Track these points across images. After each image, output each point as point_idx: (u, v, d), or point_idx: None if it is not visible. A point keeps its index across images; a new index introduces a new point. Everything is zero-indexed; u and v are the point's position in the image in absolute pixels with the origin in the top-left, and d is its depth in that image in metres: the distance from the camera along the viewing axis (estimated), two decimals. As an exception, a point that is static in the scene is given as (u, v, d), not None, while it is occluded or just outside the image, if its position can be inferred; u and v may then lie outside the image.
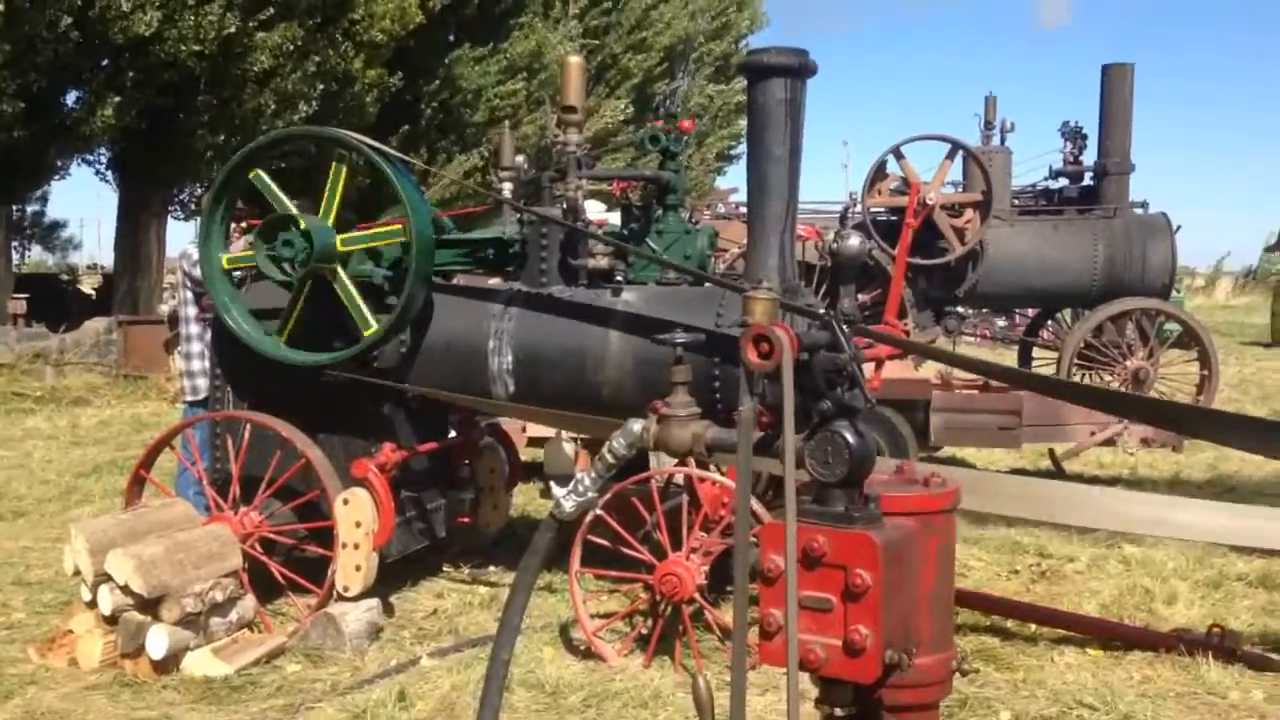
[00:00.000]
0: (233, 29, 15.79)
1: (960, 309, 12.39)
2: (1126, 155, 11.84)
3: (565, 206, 5.35)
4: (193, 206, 19.39)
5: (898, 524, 1.78)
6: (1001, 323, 21.17)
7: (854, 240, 1.87)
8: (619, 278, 5.38)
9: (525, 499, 7.49)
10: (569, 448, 7.01)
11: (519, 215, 5.49)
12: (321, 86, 17.42)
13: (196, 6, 15.30)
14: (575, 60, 5.27)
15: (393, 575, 5.70)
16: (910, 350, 6.64)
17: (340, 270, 5.05)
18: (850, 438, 1.74)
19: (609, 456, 2.07)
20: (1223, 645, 4.94)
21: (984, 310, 21.06)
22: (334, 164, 4.99)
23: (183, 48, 15.34)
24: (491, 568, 6.19)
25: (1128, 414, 7.42)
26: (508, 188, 5.72)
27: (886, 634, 1.70)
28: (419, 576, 6.00)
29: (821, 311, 5.05)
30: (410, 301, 5.03)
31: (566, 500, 2.14)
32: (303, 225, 4.87)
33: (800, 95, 5.29)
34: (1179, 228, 11.64)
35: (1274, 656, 4.95)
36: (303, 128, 6.22)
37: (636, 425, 2.05)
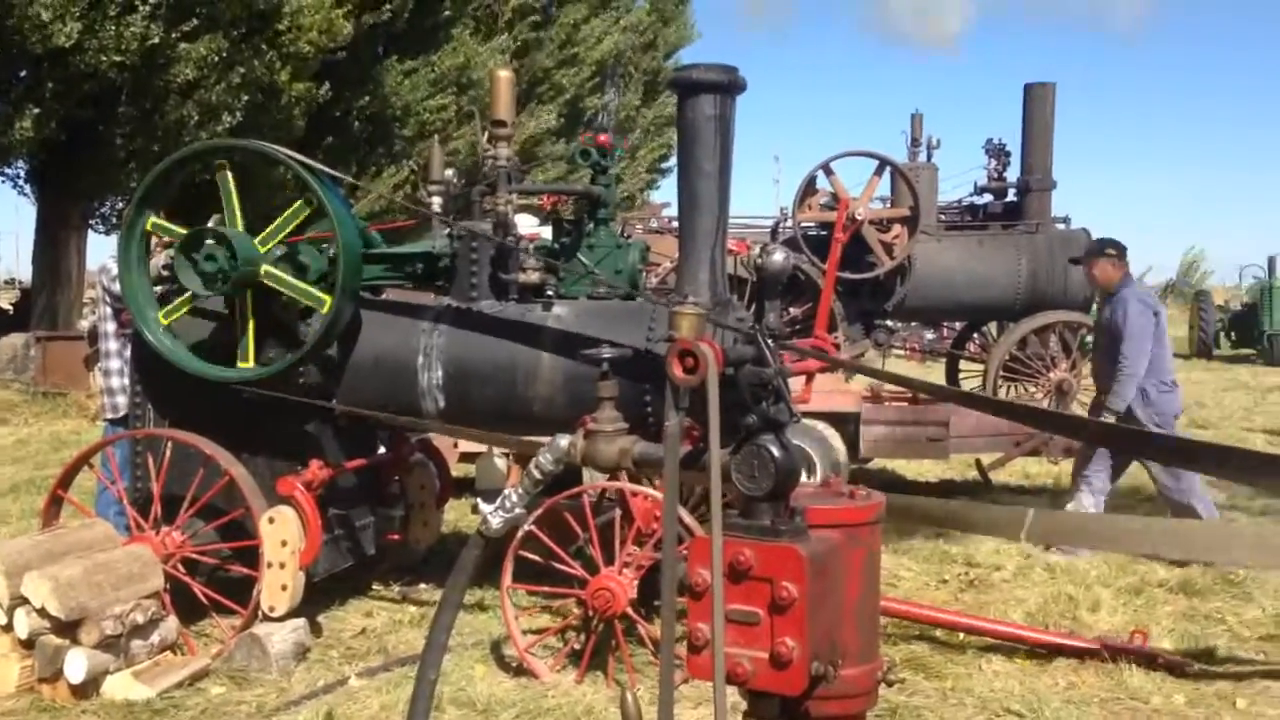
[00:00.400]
0: (155, 40, 15.51)
1: (889, 322, 12.56)
2: (1048, 172, 12.12)
3: (495, 221, 5.32)
4: (114, 220, 18.98)
5: (823, 536, 1.79)
6: (930, 336, 21.54)
7: (778, 255, 1.88)
8: (549, 292, 5.36)
9: (457, 515, 7.42)
10: (501, 463, 6.96)
11: (449, 229, 5.45)
12: (246, 98, 17.16)
13: (118, 17, 15.01)
14: (505, 74, 5.25)
15: (321, 594, 5.61)
16: (837, 366, 6.71)
17: (269, 267, 4.96)
18: (776, 451, 1.75)
19: (536, 472, 2.05)
20: (1144, 651, 5.05)
21: (912, 324, 21.48)
22: (219, 172, 4.91)
23: (104, 58, 15.03)
24: (422, 585, 6.12)
25: (1043, 427, 7.55)
26: (437, 201, 5.68)
27: (813, 646, 1.70)
28: (348, 595, 5.92)
29: (749, 326, 5.09)
30: (336, 316, 4.96)
31: (494, 517, 2.12)
32: (220, 236, 4.78)
33: (730, 111, 5.34)
34: (1099, 242, 11.91)
35: (1193, 662, 5.07)
36: (227, 140, 6.12)
37: (563, 441, 2.04)
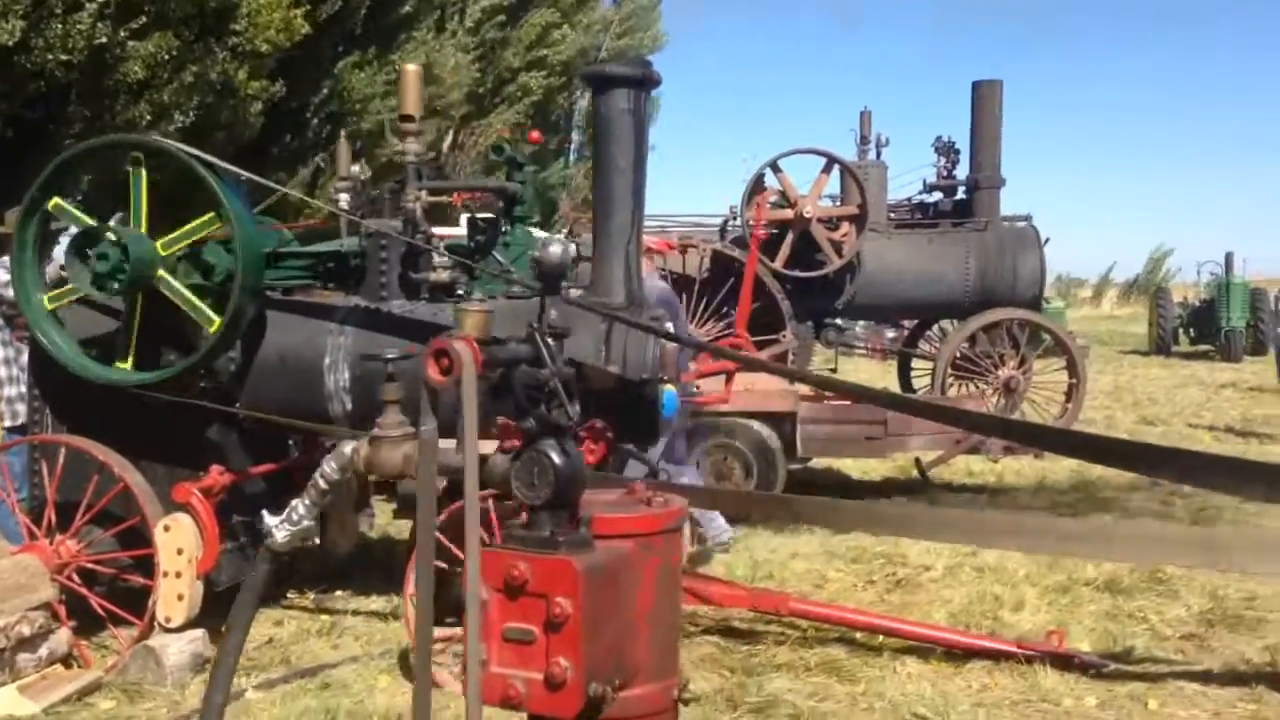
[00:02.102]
0: (103, 38, 15.25)
1: (839, 321, 12.54)
2: (997, 170, 12.11)
3: (405, 218, 5.22)
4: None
5: (612, 547, 1.70)
6: (891, 334, 21.53)
7: (555, 249, 1.79)
8: (461, 291, 5.26)
9: (386, 518, 7.30)
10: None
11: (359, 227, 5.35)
12: (199, 97, 16.92)
13: (64, 15, 14.76)
14: (412, 69, 5.15)
15: (227, 603, 5.46)
16: (751, 366, 6.64)
17: (165, 274, 4.83)
18: (556, 457, 1.66)
19: (321, 482, 1.96)
20: (1060, 652, 4.99)
21: (871, 323, 21.50)
22: (131, 169, 4.78)
23: (50, 57, 14.78)
24: (338, 592, 6.01)
25: (963, 426, 7.45)
26: (344, 198, 5.57)
27: (590, 666, 1.61)
28: (259, 605, 5.78)
29: (651, 325, 5.01)
30: (237, 315, 4.83)
31: (279, 530, 2.02)
32: (114, 235, 4.65)
33: (643, 106, 5.26)
34: (1048, 240, 11.95)
35: (1108, 663, 5.01)
36: (118, 136, 5.99)
37: (347, 448, 1.95)
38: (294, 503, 2.03)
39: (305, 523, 2.01)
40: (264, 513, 2.19)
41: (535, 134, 5.63)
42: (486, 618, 1.63)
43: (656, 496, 1.83)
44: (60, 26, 14.72)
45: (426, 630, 1.70)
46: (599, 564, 1.64)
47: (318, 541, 4.72)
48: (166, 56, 16.16)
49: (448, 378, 1.64)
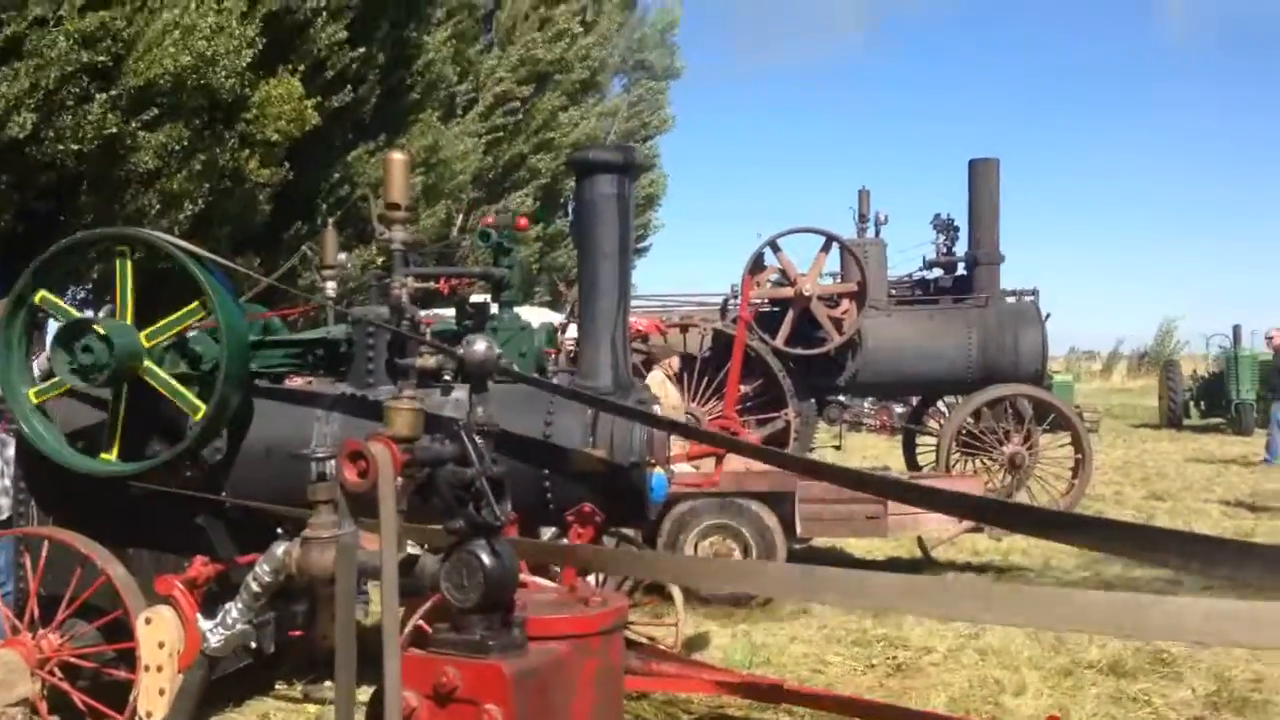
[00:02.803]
0: (114, 129, 15.54)
1: (841, 398, 12.49)
2: (995, 246, 12.14)
3: (391, 305, 5.23)
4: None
5: (545, 649, 1.66)
6: (899, 409, 21.45)
7: (480, 345, 1.77)
8: (446, 377, 5.25)
9: (379, 605, 7.23)
10: (414, 551, 6.78)
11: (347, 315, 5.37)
12: (209, 185, 17.18)
13: (75, 106, 15.06)
14: (399, 157, 5.20)
15: (216, 695, 5.39)
16: (736, 450, 6.59)
17: (150, 364, 4.84)
18: (486, 558, 1.63)
19: (254, 585, 1.93)
20: (1061, 738, 4.88)
21: (880, 400, 21.43)
22: (118, 260, 4.82)
23: (60, 148, 15.06)
24: (327, 683, 5.90)
25: (927, 506, 7.14)
26: (331, 286, 5.60)
27: (522, 773, 1.57)
28: (246, 695, 5.71)
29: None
30: (223, 404, 4.83)
31: (213, 635, 1.99)
32: (99, 330, 4.67)
33: (628, 191, 5.30)
34: (1049, 315, 11.92)
35: (1111, 749, 4.90)
36: (101, 230, 6.07)
37: (279, 549, 1.92)
38: (227, 606, 2.00)
39: (239, 626, 1.98)
40: (199, 617, 2.15)
41: (523, 220, 5.66)
42: (414, 725, 1.59)
43: (595, 595, 1.79)
44: (71, 118, 15.02)
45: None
46: (531, 668, 1.60)
47: (254, 645, 4.65)
48: (177, 146, 16.45)
49: (364, 480, 1.62)
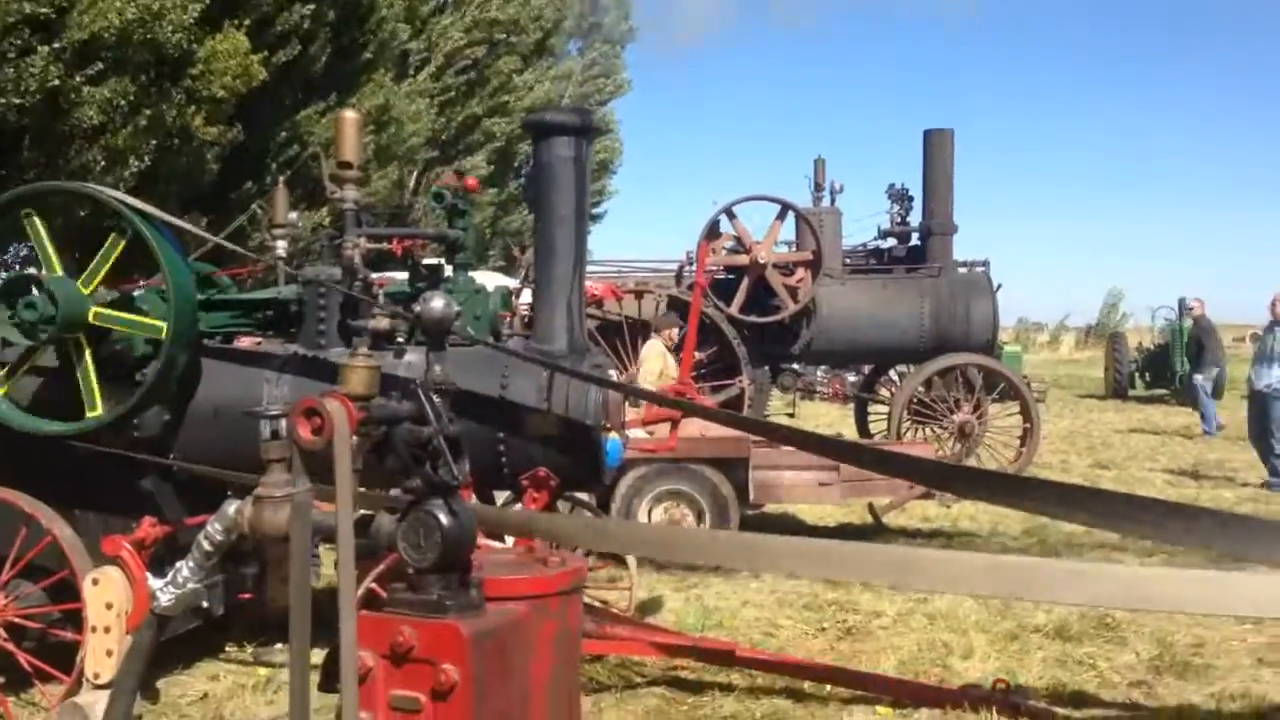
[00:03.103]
0: (56, 82, 15.14)
1: (795, 366, 12.55)
2: (949, 217, 12.23)
3: (343, 265, 5.15)
4: (16, 268, 18.45)
5: (503, 610, 1.64)
6: (852, 378, 21.61)
7: (437, 303, 1.75)
8: (400, 339, 5.19)
9: (330, 569, 7.18)
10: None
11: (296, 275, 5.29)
12: (155, 142, 16.82)
13: (17, 59, 14.65)
14: (351, 115, 5.10)
15: (164, 657, 5.33)
16: (691, 413, 6.60)
17: (84, 342, 4.73)
18: (443, 518, 1.61)
19: (206, 544, 1.90)
20: (1007, 700, 4.95)
21: (833, 368, 21.57)
22: (26, 222, 4.69)
23: (2, 100, 14.66)
24: (278, 646, 5.86)
25: (883, 471, 7.15)
26: (282, 245, 5.51)
27: (480, 733, 1.55)
28: (194, 658, 5.65)
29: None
30: (169, 365, 4.75)
31: (163, 594, 1.95)
32: (38, 282, 4.56)
33: (585, 154, 5.26)
34: (1000, 286, 12.04)
35: (1056, 710, 4.98)
36: (53, 184, 5.89)
37: (231, 508, 1.89)
38: (178, 565, 1.96)
39: (191, 585, 1.95)
40: (149, 576, 2.12)
41: (472, 181, 5.59)
42: (373, 685, 1.57)
43: (554, 556, 1.78)
44: (13, 70, 14.61)
45: (303, 694, 1.64)
46: (488, 628, 1.59)
47: (205, 605, 4.60)
48: (122, 101, 16.08)
49: (319, 438, 1.59)
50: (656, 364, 9.79)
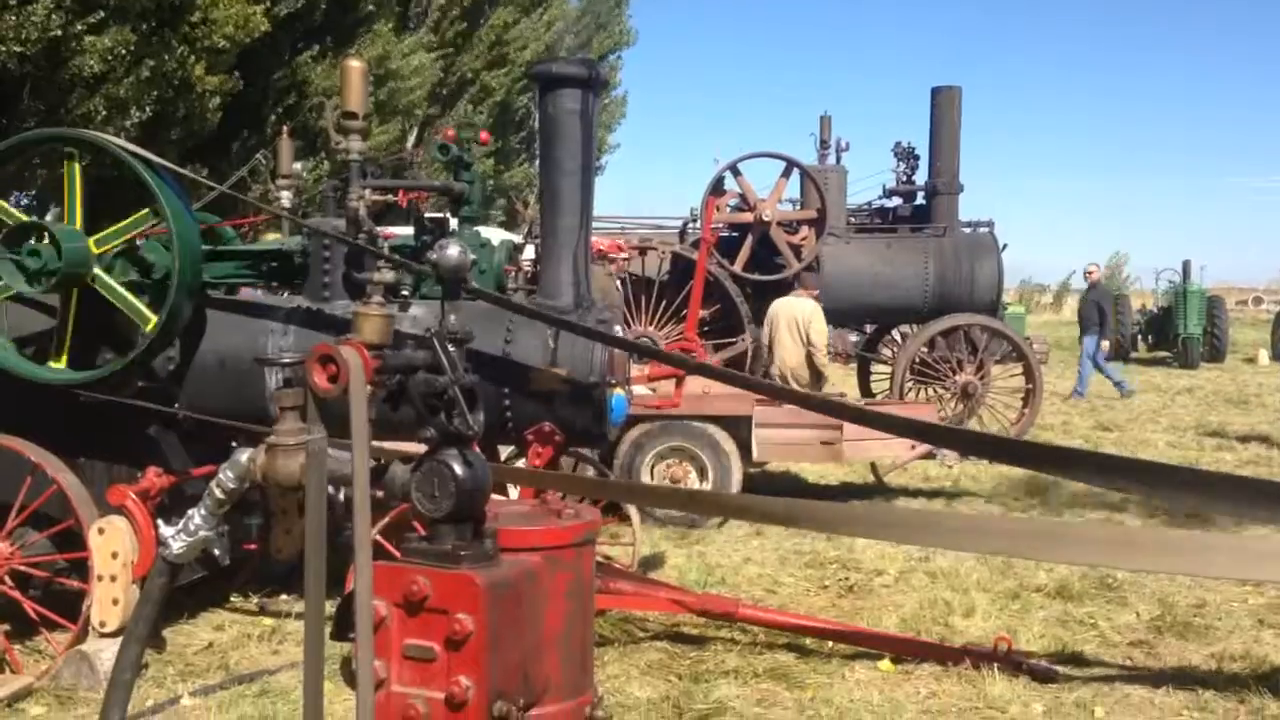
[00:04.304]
0: (58, 31, 15.00)
1: (799, 324, 12.50)
2: (955, 176, 12.15)
3: (348, 218, 5.11)
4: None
5: (517, 561, 1.64)
6: (854, 338, 21.56)
7: (453, 250, 1.72)
8: (404, 292, 5.17)
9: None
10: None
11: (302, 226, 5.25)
12: (156, 92, 16.70)
13: (18, 7, 14.50)
14: (356, 64, 5.04)
15: (170, 607, 5.35)
16: (693, 371, 6.58)
17: (100, 273, 4.71)
18: (458, 468, 1.59)
19: (218, 491, 1.89)
20: (1009, 658, 4.98)
21: (836, 327, 21.51)
22: (66, 163, 4.66)
23: (3, 49, 14.52)
24: (283, 596, 5.90)
25: (900, 434, 7.19)
26: (286, 196, 5.47)
27: (494, 684, 1.55)
28: (200, 608, 5.68)
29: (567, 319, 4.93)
30: (175, 312, 4.72)
31: (175, 540, 1.95)
32: (48, 232, 4.53)
33: (591, 107, 5.20)
34: (1005, 246, 11.97)
35: (1058, 668, 5.01)
36: (48, 130, 5.84)
37: (243, 456, 1.88)
38: (190, 512, 1.96)
39: (202, 533, 1.94)
40: (159, 523, 2.12)
41: (485, 134, 5.53)
42: (386, 634, 1.57)
43: (567, 509, 1.77)
44: (14, 18, 14.47)
45: (318, 644, 1.63)
46: (503, 579, 1.58)
47: (217, 552, 4.62)
48: (124, 50, 15.94)
49: (335, 385, 1.57)
50: (823, 321, 10.10)
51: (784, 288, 11.53)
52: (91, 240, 4.72)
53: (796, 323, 9.93)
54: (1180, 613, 5.82)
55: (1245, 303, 38.93)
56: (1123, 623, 5.76)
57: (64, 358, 4.78)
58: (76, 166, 4.73)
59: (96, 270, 4.71)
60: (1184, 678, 4.97)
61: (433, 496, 1.60)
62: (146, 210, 4.72)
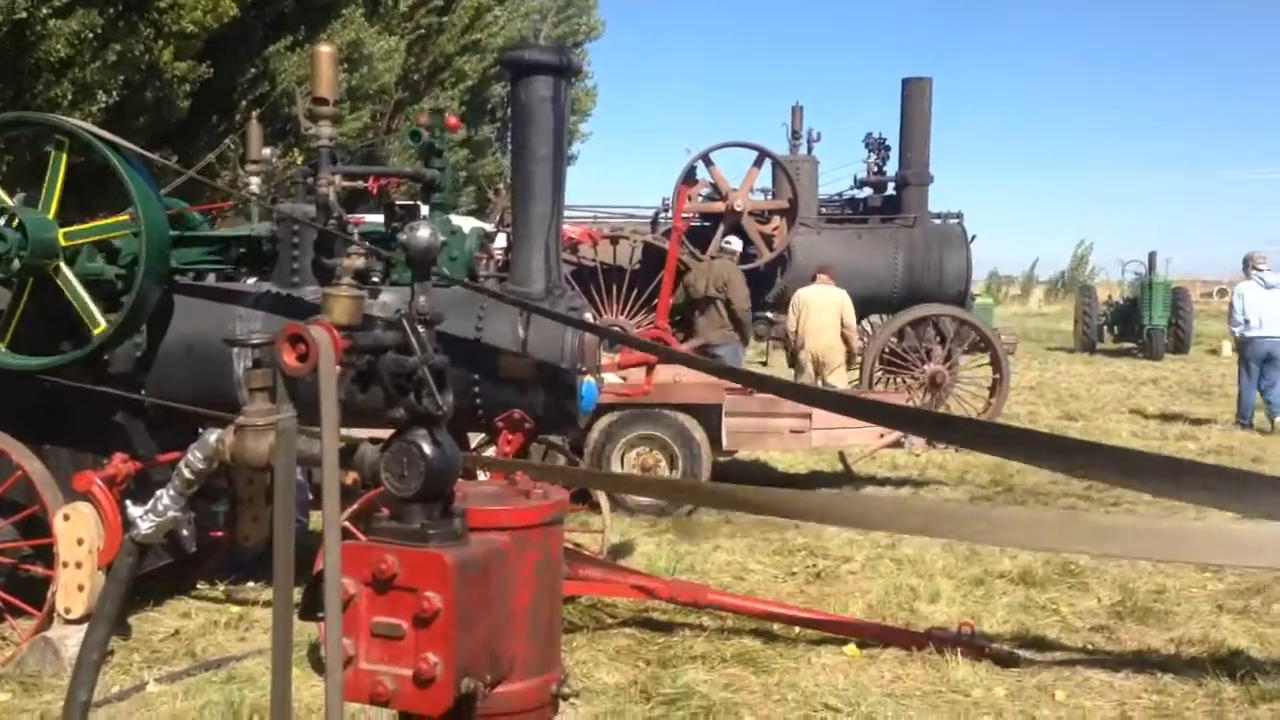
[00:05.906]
0: (24, 14, 14.81)
1: (769, 314, 12.57)
2: (925, 167, 12.22)
3: (318, 203, 5.10)
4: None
5: (485, 540, 1.65)
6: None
7: (423, 232, 1.73)
8: (374, 278, 5.14)
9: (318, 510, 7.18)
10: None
11: (271, 212, 5.23)
12: (124, 77, 16.52)
13: (-19, -10, 14.31)
14: (326, 50, 5.03)
15: (136, 594, 5.35)
16: (669, 358, 6.62)
17: (63, 266, 4.68)
18: (427, 448, 1.61)
19: (186, 472, 1.89)
20: (972, 643, 5.05)
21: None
22: (54, 152, 4.61)
23: (-36, 32, 14.33)
24: (250, 584, 5.89)
25: (874, 420, 7.25)
26: (255, 182, 5.44)
27: (461, 661, 1.57)
28: (166, 595, 5.66)
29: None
30: (141, 299, 4.70)
31: (143, 521, 1.95)
32: (16, 218, 4.49)
33: (564, 94, 5.20)
34: (974, 237, 12.08)
35: (1020, 653, 5.08)
36: (20, 114, 5.79)
37: (212, 437, 1.89)
38: (159, 493, 1.96)
39: (171, 514, 1.94)
40: (128, 503, 2.12)
41: (453, 120, 5.52)
42: (355, 612, 1.58)
43: (536, 489, 1.79)
44: (-24, 1, 14.28)
45: (286, 626, 1.65)
46: (471, 557, 1.59)
47: (185, 533, 4.61)
48: (90, 35, 15.77)
49: (304, 365, 1.58)
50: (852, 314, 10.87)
51: (756, 276, 11.58)
52: (61, 232, 4.68)
53: (832, 308, 10.76)
54: (1140, 598, 5.92)
55: (1210, 295, 39.35)
56: (1084, 608, 5.84)
57: (5, 340, 4.72)
58: (64, 156, 4.68)
59: (59, 264, 4.67)
60: (1144, 662, 5.06)
61: (401, 476, 1.62)
62: (125, 215, 4.68)
